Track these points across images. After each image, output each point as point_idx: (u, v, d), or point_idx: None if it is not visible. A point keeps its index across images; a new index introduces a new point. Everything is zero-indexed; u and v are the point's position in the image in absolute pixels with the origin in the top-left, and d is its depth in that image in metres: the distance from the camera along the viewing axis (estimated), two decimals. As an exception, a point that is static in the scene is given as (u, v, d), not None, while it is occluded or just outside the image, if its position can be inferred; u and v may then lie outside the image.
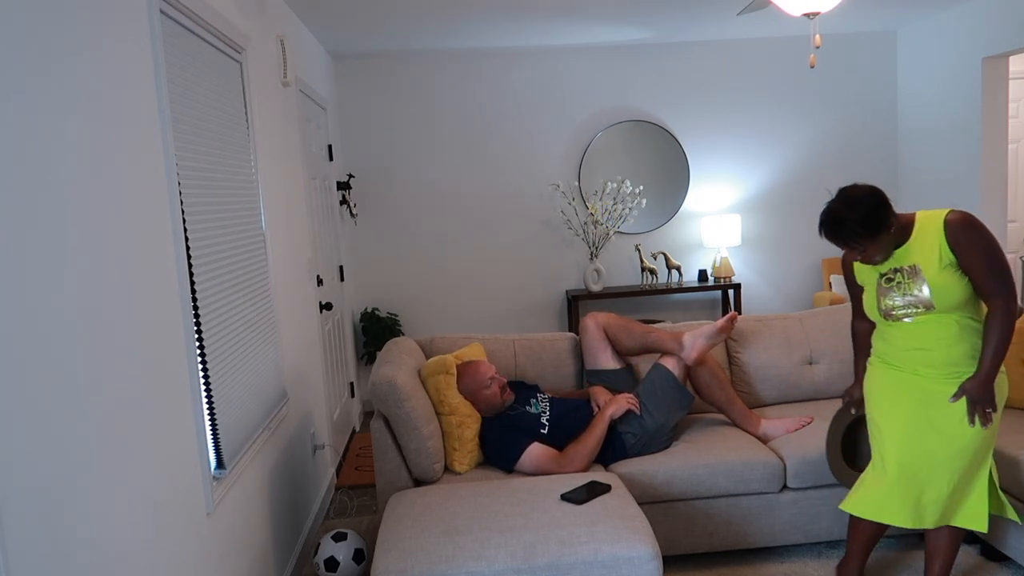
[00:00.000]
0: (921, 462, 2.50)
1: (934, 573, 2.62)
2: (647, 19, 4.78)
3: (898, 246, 2.45)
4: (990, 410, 2.41)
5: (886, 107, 5.76)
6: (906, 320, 2.48)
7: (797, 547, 3.18)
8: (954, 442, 2.46)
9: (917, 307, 2.45)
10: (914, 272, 2.43)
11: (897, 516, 2.54)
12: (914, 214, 2.46)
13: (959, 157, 5.07)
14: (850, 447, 2.91)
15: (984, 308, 2.44)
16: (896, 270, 2.47)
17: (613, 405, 3.09)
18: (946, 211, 2.41)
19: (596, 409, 3.13)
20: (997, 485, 2.57)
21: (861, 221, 2.34)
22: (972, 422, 2.42)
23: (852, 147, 5.76)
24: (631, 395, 3.14)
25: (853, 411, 2.80)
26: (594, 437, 3.01)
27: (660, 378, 3.16)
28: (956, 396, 2.44)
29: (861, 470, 2.74)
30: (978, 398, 2.41)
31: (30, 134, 1.42)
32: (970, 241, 2.35)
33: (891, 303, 2.49)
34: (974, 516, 2.51)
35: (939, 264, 2.39)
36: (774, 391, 3.55)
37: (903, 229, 2.45)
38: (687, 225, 5.78)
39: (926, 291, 2.41)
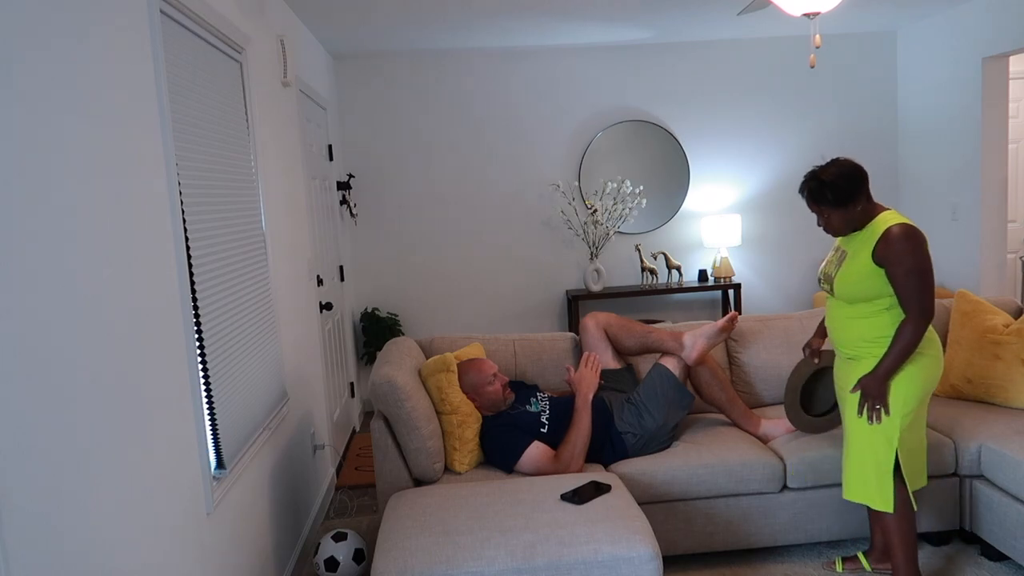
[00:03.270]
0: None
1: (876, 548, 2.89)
2: (647, 19, 4.78)
3: (855, 230, 2.62)
4: (879, 407, 2.56)
5: (886, 107, 5.76)
6: (824, 293, 2.76)
7: (797, 547, 3.18)
8: (850, 415, 2.66)
9: (828, 285, 2.70)
10: (843, 257, 2.65)
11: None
12: (883, 211, 2.59)
13: (959, 157, 5.07)
14: (808, 396, 3.14)
15: (897, 316, 2.57)
16: (840, 249, 2.70)
17: (583, 386, 3.09)
18: (897, 221, 2.52)
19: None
20: (881, 476, 2.60)
21: (831, 186, 2.55)
22: (860, 412, 2.60)
23: (852, 147, 5.76)
24: (587, 358, 3.17)
25: (816, 361, 2.99)
26: (581, 432, 2.99)
27: (660, 378, 3.16)
28: (854, 388, 2.62)
29: (816, 416, 3.11)
30: (869, 392, 2.58)
31: (30, 134, 1.42)
32: (895, 253, 2.48)
33: (820, 273, 2.77)
34: (867, 494, 2.64)
35: (860, 261, 2.56)
36: (774, 391, 3.55)
37: (866, 217, 2.60)
38: (687, 225, 5.78)
39: (834, 275, 2.65)
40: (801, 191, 2.65)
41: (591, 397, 3.07)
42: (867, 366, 2.59)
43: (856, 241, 2.61)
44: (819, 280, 2.78)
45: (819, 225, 2.66)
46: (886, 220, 2.55)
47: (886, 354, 2.54)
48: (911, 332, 2.50)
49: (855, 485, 2.66)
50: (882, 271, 2.52)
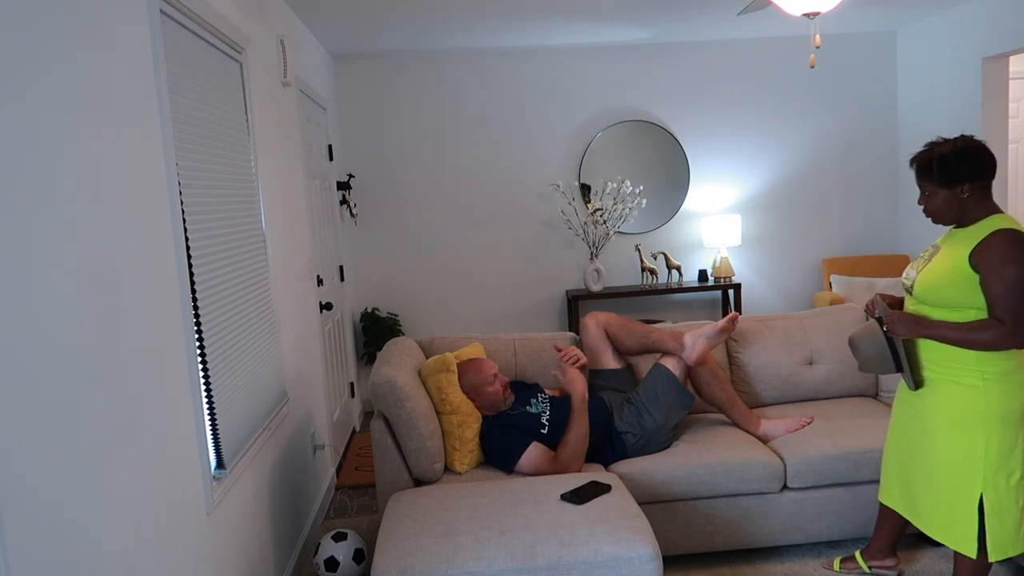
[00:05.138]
0: (900, 441, 2.58)
1: None
2: (647, 19, 4.78)
3: (960, 225, 2.34)
4: (885, 326, 2.38)
5: (886, 107, 5.75)
6: (905, 293, 2.50)
7: (797, 547, 3.18)
8: (925, 442, 2.42)
9: (908, 283, 2.44)
10: (935, 253, 2.38)
11: (888, 494, 2.65)
12: (995, 214, 2.30)
13: (959, 157, 5.06)
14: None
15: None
16: (936, 245, 2.42)
17: (578, 385, 3.03)
18: (1011, 225, 2.25)
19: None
20: (993, 526, 2.30)
21: (941, 159, 2.28)
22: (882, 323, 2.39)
23: (852, 147, 5.76)
24: (571, 354, 3.21)
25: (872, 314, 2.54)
26: (580, 433, 2.97)
27: (661, 378, 3.16)
28: (885, 313, 2.38)
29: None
30: (894, 322, 2.35)
31: (30, 135, 1.42)
32: (997, 258, 2.18)
33: (907, 270, 2.49)
34: (947, 534, 2.38)
35: (952, 259, 2.28)
36: (774, 391, 3.55)
37: (975, 213, 2.30)
38: (687, 225, 5.78)
39: (914, 275, 2.41)
40: (912, 161, 2.37)
41: (587, 395, 3.06)
42: (943, 393, 2.32)
43: (956, 237, 2.31)
44: (904, 281, 2.48)
45: (919, 204, 2.37)
46: (998, 222, 2.24)
47: (949, 322, 2.24)
48: (986, 336, 2.18)
49: (936, 521, 2.40)
50: (976, 279, 2.21)
